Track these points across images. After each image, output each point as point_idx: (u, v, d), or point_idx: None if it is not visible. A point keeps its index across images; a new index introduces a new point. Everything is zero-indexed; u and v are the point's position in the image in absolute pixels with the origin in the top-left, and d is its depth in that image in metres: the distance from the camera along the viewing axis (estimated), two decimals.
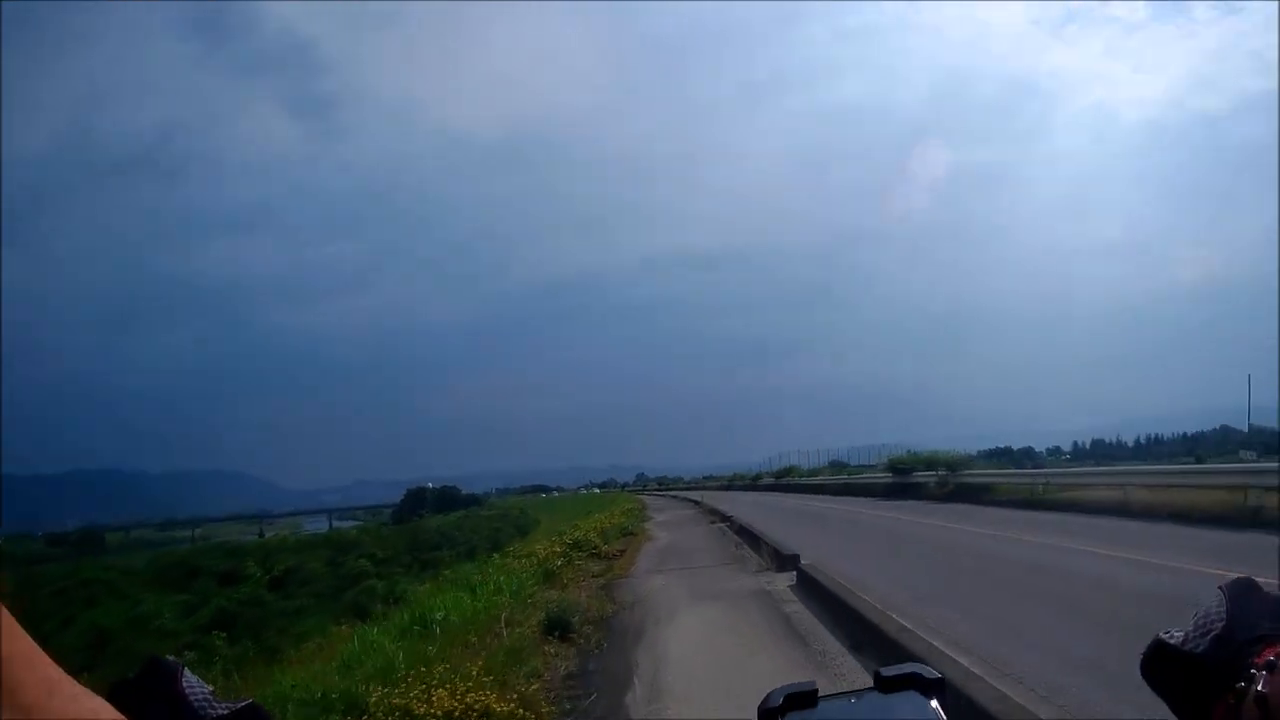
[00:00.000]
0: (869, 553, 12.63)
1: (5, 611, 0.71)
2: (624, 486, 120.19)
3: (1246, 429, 32.99)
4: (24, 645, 0.71)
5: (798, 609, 8.43)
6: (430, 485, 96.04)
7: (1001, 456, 50.50)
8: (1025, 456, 56.30)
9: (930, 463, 26.31)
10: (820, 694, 0.77)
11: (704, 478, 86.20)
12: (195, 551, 37.90)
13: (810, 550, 11.14)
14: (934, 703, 0.76)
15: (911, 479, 26.45)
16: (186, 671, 0.71)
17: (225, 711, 0.71)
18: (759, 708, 0.77)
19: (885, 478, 29.49)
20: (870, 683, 0.78)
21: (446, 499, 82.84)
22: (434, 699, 5.02)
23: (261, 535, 56.77)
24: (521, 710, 5.21)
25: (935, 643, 5.61)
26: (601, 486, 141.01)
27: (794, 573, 9.98)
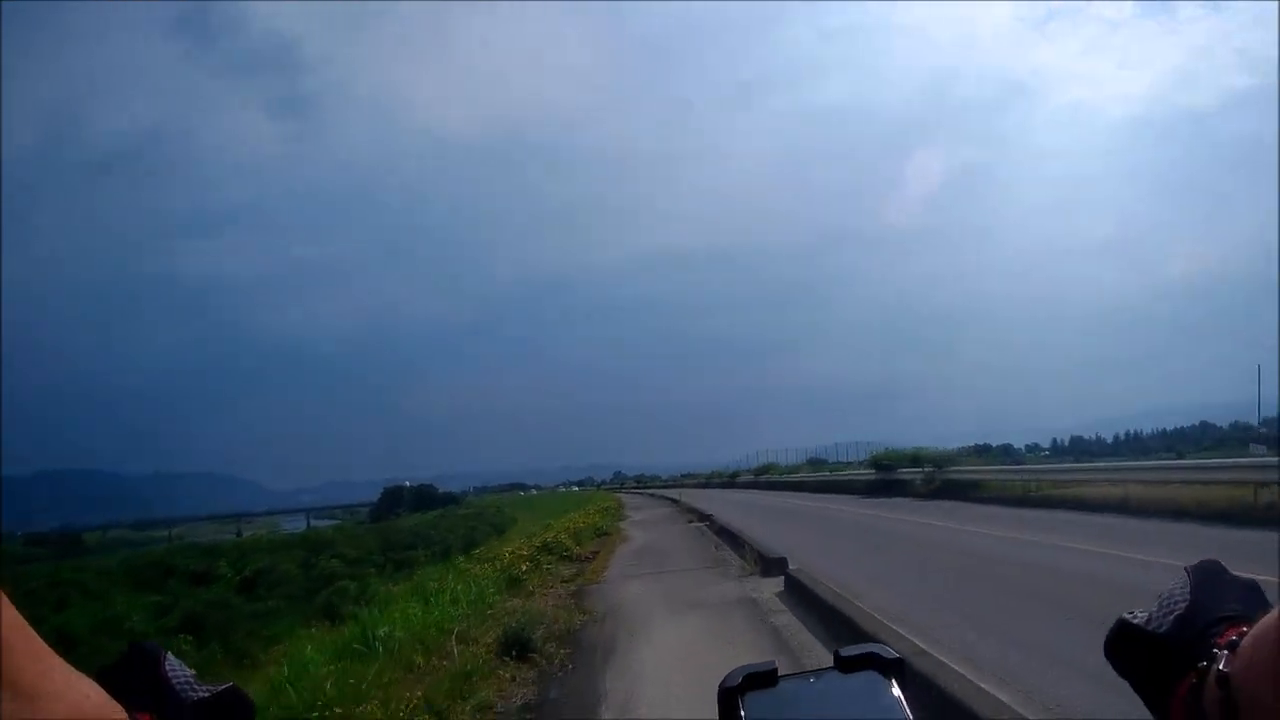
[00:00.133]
0: (855, 552, 11.67)
1: (3, 597, 0.74)
2: (601, 485, 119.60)
3: (1257, 422, 32.67)
4: (20, 628, 0.74)
5: (788, 620, 7.50)
6: (408, 484, 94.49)
7: (981, 454, 50.35)
8: (1004, 453, 56.34)
9: (915, 459, 25.68)
10: (780, 673, 0.76)
11: (681, 476, 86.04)
12: (170, 551, 36.85)
13: (798, 552, 10.27)
14: (893, 682, 0.75)
15: (896, 475, 25.81)
16: (169, 656, 0.74)
17: (207, 694, 0.74)
18: (719, 686, 0.75)
19: (868, 475, 28.71)
20: (830, 662, 0.76)
21: (424, 498, 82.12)
22: None
23: (239, 535, 55.96)
24: None
25: (963, 669, 4.70)
26: (579, 485, 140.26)
27: (781, 578, 9.06)
